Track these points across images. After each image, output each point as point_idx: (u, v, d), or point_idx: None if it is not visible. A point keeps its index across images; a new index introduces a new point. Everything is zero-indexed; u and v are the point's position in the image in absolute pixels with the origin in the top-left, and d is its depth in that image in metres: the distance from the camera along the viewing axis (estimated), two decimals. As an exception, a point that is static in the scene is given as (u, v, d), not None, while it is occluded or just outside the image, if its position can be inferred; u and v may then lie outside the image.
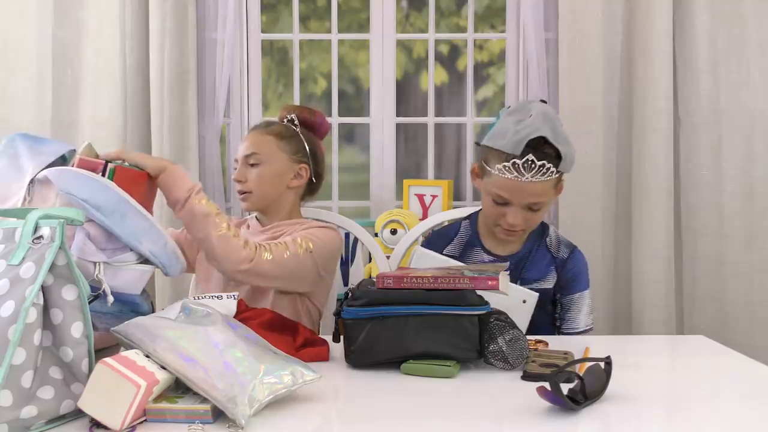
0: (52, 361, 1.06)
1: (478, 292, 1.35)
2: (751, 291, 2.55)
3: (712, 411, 1.13)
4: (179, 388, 1.11)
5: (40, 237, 1.05)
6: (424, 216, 2.63)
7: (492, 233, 1.82)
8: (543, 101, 1.86)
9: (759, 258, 2.55)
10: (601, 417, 1.10)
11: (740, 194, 2.56)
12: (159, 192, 1.58)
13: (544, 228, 1.86)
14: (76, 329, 1.06)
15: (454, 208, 2.47)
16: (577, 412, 1.10)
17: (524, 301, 1.63)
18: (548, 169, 1.68)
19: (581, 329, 1.80)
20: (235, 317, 1.34)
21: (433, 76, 2.84)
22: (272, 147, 1.84)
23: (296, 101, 2.83)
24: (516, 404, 1.15)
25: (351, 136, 3.05)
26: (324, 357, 1.39)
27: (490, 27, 3.04)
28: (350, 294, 1.38)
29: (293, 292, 1.76)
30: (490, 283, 1.33)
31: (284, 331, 1.42)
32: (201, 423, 1.05)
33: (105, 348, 1.36)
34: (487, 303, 1.33)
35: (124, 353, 1.08)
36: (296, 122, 1.89)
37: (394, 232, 2.55)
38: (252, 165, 1.83)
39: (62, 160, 1.44)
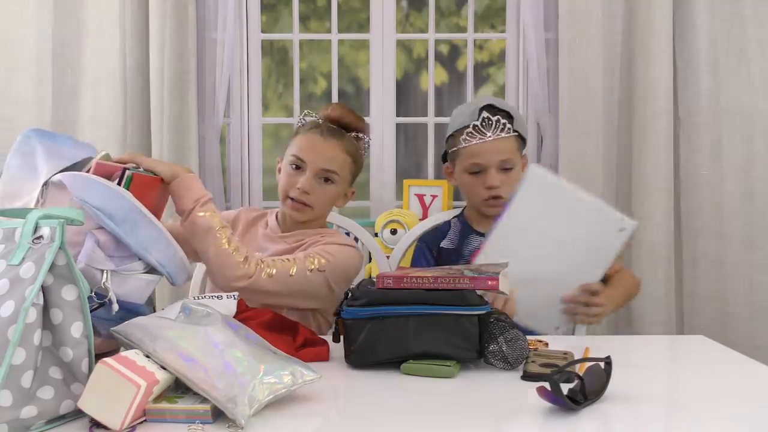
0: (52, 361, 1.06)
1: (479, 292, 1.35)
2: (751, 291, 2.55)
3: (713, 411, 1.13)
4: (179, 388, 1.11)
5: (40, 237, 1.05)
6: (424, 216, 2.63)
7: (481, 219, 1.89)
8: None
9: (759, 258, 2.55)
10: (601, 417, 1.10)
11: (740, 194, 2.56)
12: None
13: None
14: (76, 329, 1.06)
15: (454, 208, 2.47)
16: (577, 412, 1.10)
17: (621, 230, 1.59)
18: (504, 125, 1.82)
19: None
20: (235, 317, 1.34)
21: (433, 76, 2.84)
22: (347, 170, 1.79)
23: (296, 101, 2.83)
24: (516, 404, 1.15)
25: (351, 136, 3.04)
26: (324, 357, 1.39)
27: (490, 27, 3.04)
28: (350, 294, 1.38)
29: (304, 309, 1.72)
30: (490, 283, 1.33)
31: (284, 331, 1.41)
32: (201, 423, 1.05)
33: (106, 353, 1.36)
34: (487, 303, 1.33)
35: (124, 353, 1.08)
36: (368, 141, 1.84)
37: (394, 232, 2.55)
38: (326, 180, 1.76)
39: (80, 166, 1.44)
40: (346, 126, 1.82)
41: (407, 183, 2.72)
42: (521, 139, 1.87)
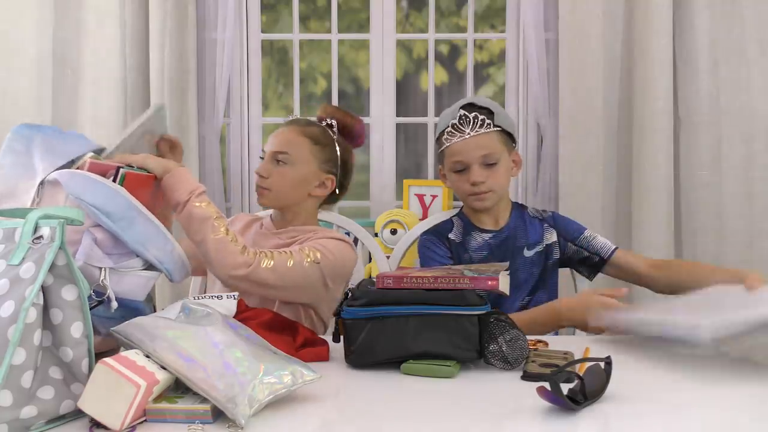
0: (52, 361, 1.06)
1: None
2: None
3: (713, 411, 1.13)
4: (179, 388, 1.11)
5: (40, 237, 1.05)
6: (424, 216, 2.64)
7: (480, 216, 1.91)
8: None
9: (759, 258, 2.55)
10: (601, 417, 1.10)
11: (740, 194, 2.56)
12: None
13: (519, 204, 1.97)
14: (76, 329, 1.06)
15: (454, 208, 2.47)
16: (577, 412, 1.09)
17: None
18: (483, 120, 1.81)
19: (613, 247, 1.90)
20: (235, 317, 1.34)
21: (433, 76, 2.84)
22: (305, 150, 1.78)
23: (296, 101, 2.83)
24: (516, 404, 1.15)
25: (351, 136, 3.05)
26: (324, 357, 1.39)
27: (490, 27, 3.04)
28: (350, 294, 1.38)
29: (296, 303, 1.71)
30: (490, 283, 1.33)
31: (284, 331, 1.41)
32: (201, 423, 1.05)
33: (106, 351, 1.36)
34: (486, 303, 1.33)
35: (124, 353, 1.08)
36: (335, 128, 1.83)
37: (394, 232, 2.55)
38: (279, 162, 1.77)
39: (70, 162, 1.44)
40: (339, 122, 1.84)
41: (407, 183, 2.72)
42: (506, 135, 1.85)
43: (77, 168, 1.39)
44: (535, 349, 1.41)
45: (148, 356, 1.09)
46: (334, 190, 1.84)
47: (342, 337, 1.36)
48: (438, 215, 2.12)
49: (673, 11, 2.53)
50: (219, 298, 1.38)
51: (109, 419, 1.01)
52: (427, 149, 2.84)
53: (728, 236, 2.56)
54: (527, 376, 1.26)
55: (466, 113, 1.82)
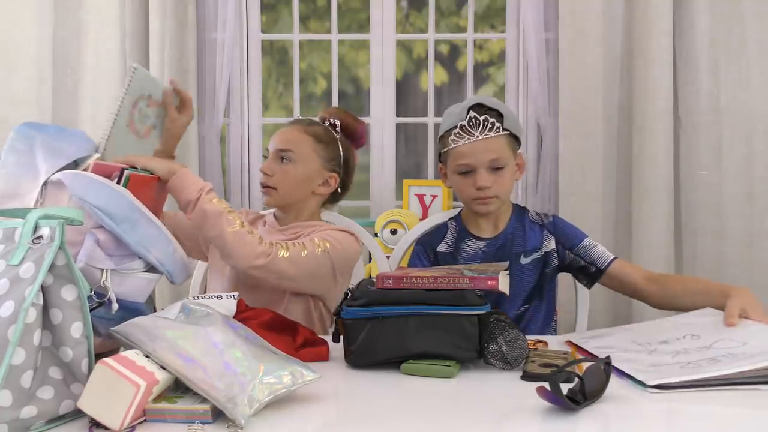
0: (51, 361, 1.06)
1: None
2: (751, 291, 2.55)
3: (713, 411, 1.13)
4: (179, 388, 1.11)
5: (40, 237, 1.05)
6: (424, 216, 2.64)
7: (478, 221, 1.87)
8: None
9: (759, 258, 2.55)
10: (601, 417, 1.10)
11: (740, 194, 2.56)
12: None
13: (521, 207, 1.93)
14: (76, 329, 1.06)
15: (454, 208, 2.47)
16: (577, 412, 1.10)
17: None
18: (493, 123, 1.77)
19: (611, 258, 1.82)
20: (235, 317, 1.34)
21: (433, 76, 2.84)
22: (308, 148, 1.80)
23: (296, 101, 2.83)
24: (516, 404, 1.15)
25: (351, 136, 3.05)
26: (324, 357, 1.39)
27: (490, 27, 3.04)
28: (350, 294, 1.38)
29: (307, 294, 1.73)
30: (489, 283, 1.33)
31: (284, 331, 1.41)
32: (201, 423, 1.05)
33: (106, 352, 1.36)
34: (486, 303, 1.33)
35: (123, 353, 1.08)
36: (338, 128, 1.84)
37: (394, 232, 2.55)
38: (283, 160, 1.78)
39: (73, 163, 1.44)
40: (342, 122, 1.86)
41: (407, 183, 2.72)
42: (513, 138, 1.82)
43: (83, 170, 1.40)
44: (535, 349, 1.41)
45: (147, 356, 1.09)
46: (337, 189, 1.86)
47: (342, 337, 1.36)
48: (437, 216, 2.11)
49: (673, 11, 2.53)
50: (219, 298, 1.38)
51: (109, 419, 1.01)
52: (427, 149, 2.84)
53: (728, 236, 2.56)
54: (527, 376, 1.26)
55: (476, 115, 1.77)
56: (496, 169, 1.78)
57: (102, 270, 1.27)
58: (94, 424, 1.03)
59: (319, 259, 1.65)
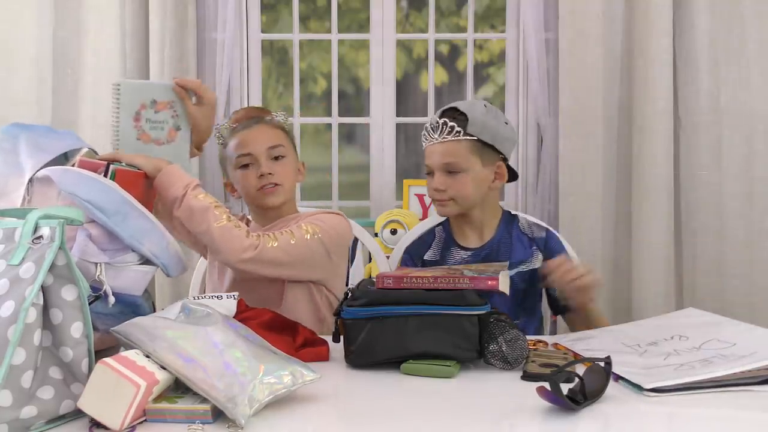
0: (51, 361, 1.06)
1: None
2: (751, 291, 2.55)
3: (712, 413, 1.13)
4: (179, 388, 1.11)
5: (40, 237, 1.05)
6: (424, 216, 2.64)
7: (464, 229, 1.85)
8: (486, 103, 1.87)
9: (759, 258, 2.55)
10: (601, 417, 1.10)
11: (740, 194, 2.56)
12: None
13: (511, 215, 1.89)
14: (76, 329, 1.06)
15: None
16: (577, 412, 1.10)
17: None
18: (452, 128, 1.76)
19: None
20: (235, 317, 1.34)
21: (433, 76, 2.84)
22: (286, 140, 1.82)
23: (296, 101, 2.83)
24: (516, 404, 1.15)
25: (351, 136, 3.06)
26: (324, 357, 1.39)
27: (490, 27, 3.04)
28: (350, 294, 1.38)
29: (306, 281, 1.72)
30: (489, 283, 1.33)
31: (284, 331, 1.41)
32: (201, 423, 1.05)
33: (105, 349, 1.36)
34: (486, 303, 1.33)
35: (123, 353, 1.08)
36: (288, 118, 1.88)
37: (394, 232, 2.55)
38: (276, 158, 1.77)
39: (63, 158, 1.44)
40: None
41: (407, 183, 2.72)
42: (483, 144, 1.76)
43: (72, 165, 1.40)
44: (535, 349, 1.41)
45: (148, 356, 1.09)
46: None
47: (342, 337, 1.36)
48: (426, 221, 2.09)
49: (673, 11, 2.53)
50: (219, 298, 1.38)
51: (109, 419, 1.01)
52: (427, 149, 2.84)
53: (728, 236, 2.56)
54: (527, 376, 1.26)
55: (438, 119, 1.79)
56: (451, 172, 1.77)
57: (96, 264, 1.27)
58: (94, 424, 1.03)
59: (310, 245, 1.65)
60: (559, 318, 1.90)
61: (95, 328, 1.16)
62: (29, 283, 1.02)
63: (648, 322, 1.60)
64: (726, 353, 1.29)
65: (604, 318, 1.79)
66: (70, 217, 1.08)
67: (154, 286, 2.57)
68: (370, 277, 2.11)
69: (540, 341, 1.50)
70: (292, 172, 1.80)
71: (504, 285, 1.37)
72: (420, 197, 2.70)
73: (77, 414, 1.06)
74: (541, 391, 1.08)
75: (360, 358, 1.33)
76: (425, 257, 1.87)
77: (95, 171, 1.39)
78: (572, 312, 1.79)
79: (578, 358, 1.28)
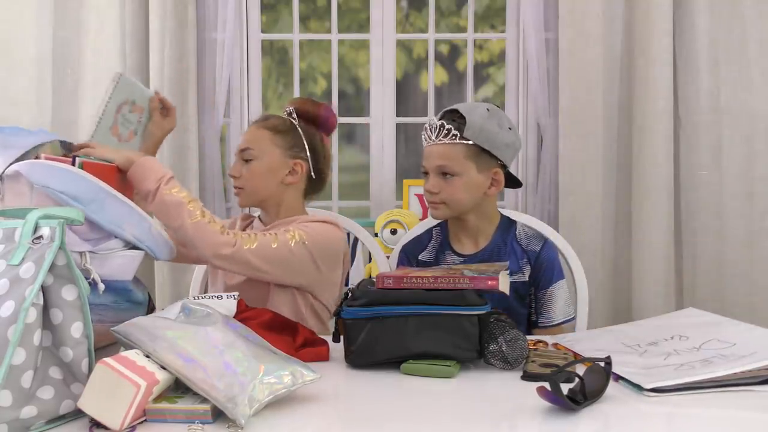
0: (52, 361, 1.06)
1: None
2: (751, 291, 2.55)
3: (713, 414, 1.13)
4: (179, 388, 1.11)
5: (40, 237, 1.05)
6: (424, 216, 2.63)
7: (460, 233, 1.84)
8: (496, 105, 1.84)
9: (759, 258, 2.55)
10: (601, 417, 1.10)
11: (740, 194, 2.56)
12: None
13: (511, 222, 1.86)
14: (76, 329, 1.06)
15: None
16: (577, 412, 1.10)
17: None
18: (449, 131, 1.74)
19: (558, 321, 1.78)
20: (235, 317, 1.34)
21: (433, 76, 2.84)
22: (266, 142, 1.78)
23: (296, 101, 2.83)
24: (516, 404, 1.15)
25: (351, 136, 3.05)
26: (324, 357, 1.39)
27: (490, 27, 3.04)
28: (350, 294, 1.38)
29: (290, 287, 1.71)
30: (489, 283, 1.33)
31: (284, 331, 1.41)
32: (201, 423, 1.05)
33: (104, 347, 1.36)
34: (486, 303, 1.33)
35: (123, 353, 1.08)
36: (294, 115, 1.82)
37: (394, 232, 2.55)
38: (246, 160, 1.78)
39: (34, 153, 1.43)
40: (298, 108, 1.83)
41: (407, 183, 2.72)
42: (479, 149, 1.74)
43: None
44: (535, 349, 1.41)
45: (148, 356, 1.09)
46: (312, 177, 1.82)
47: (342, 337, 1.36)
48: (424, 222, 2.08)
49: (673, 11, 2.53)
50: (219, 298, 1.39)
51: (109, 419, 1.01)
52: (427, 149, 2.84)
53: (728, 236, 2.56)
54: (527, 376, 1.26)
55: (435, 121, 1.78)
56: (445, 174, 1.76)
57: (80, 253, 1.27)
58: (95, 424, 1.03)
59: (293, 250, 1.64)
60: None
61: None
62: (29, 283, 1.02)
63: (648, 322, 1.60)
64: (726, 353, 1.29)
65: None
66: (71, 217, 1.08)
67: (154, 287, 2.58)
68: (370, 277, 2.11)
69: (540, 341, 1.50)
70: (260, 175, 1.77)
71: (504, 285, 1.36)
72: (420, 197, 2.70)
73: (77, 414, 1.06)
74: (541, 391, 1.08)
75: (360, 358, 1.33)
76: (420, 257, 1.87)
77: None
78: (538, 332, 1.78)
79: (578, 358, 1.28)
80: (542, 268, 1.80)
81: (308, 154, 1.80)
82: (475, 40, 2.86)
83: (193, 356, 1.08)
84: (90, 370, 1.06)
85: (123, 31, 2.58)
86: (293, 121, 1.81)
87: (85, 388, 1.03)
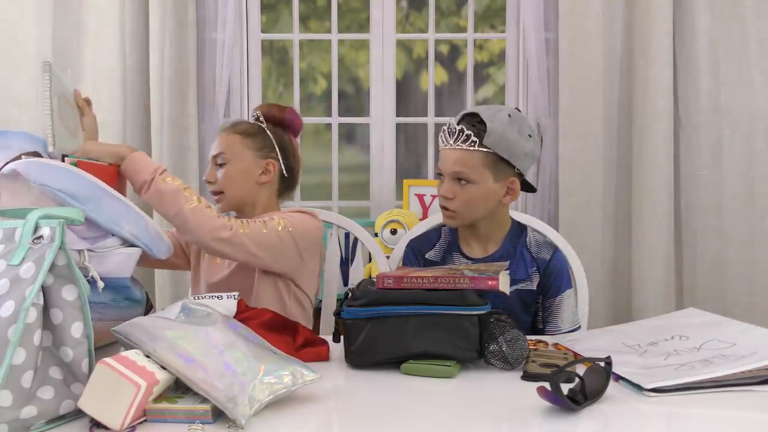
0: (52, 361, 1.06)
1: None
2: (751, 291, 2.55)
3: (713, 413, 1.13)
4: (179, 388, 1.11)
5: (40, 237, 1.05)
6: (424, 216, 2.64)
7: (469, 237, 1.82)
8: (517, 109, 1.82)
9: (759, 258, 2.55)
10: (601, 417, 1.10)
11: (740, 194, 2.56)
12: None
13: (521, 228, 1.84)
14: (76, 329, 1.06)
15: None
16: (577, 412, 1.10)
17: None
18: (468, 137, 1.69)
19: (565, 330, 1.76)
20: (235, 317, 1.34)
21: (433, 76, 2.84)
22: (237, 145, 1.83)
23: (296, 101, 2.83)
24: (516, 404, 1.15)
25: (351, 136, 3.05)
26: (324, 357, 1.39)
27: (490, 27, 3.04)
28: (350, 294, 1.38)
29: (275, 274, 1.74)
30: (490, 283, 1.33)
31: (284, 331, 1.41)
32: (201, 423, 1.05)
33: (104, 346, 1.36)
34: (487, 303, 1.33)
35: (124, 353, 1.08)
36: (261, 119, 1.88)
37: (394, 232, 2.55)
38: (220, 165, 1.82)
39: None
40: (264, 114, 1.88)
41: (407, 183, 2.72)
42: (498, 158, 1.70)
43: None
44: (535, 349, 1.41)
45: (148, 356, 1.09)
46: (285, 176, 1.87)
47: (342, 337, 1.36)
48: (434, 218, 2.08)
49: (673, 11, 2.53)
50: (219, 298, 1.39)
51: (110, 419, 1.01)
52: (427, 149, 2.84)
53: (728, 236, 2.56)
54: (527, 376, 1.26)
55: (454, 125, 1.72)
56: (460, 180, 1.72)
57: (78, 251, 1.27)
58: (95, 424, 1.03)
59: (281, 236, 1.67)
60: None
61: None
62: (29, 283, 1.02)
63: (648, 322, 1.60)
64: (726, 353, 1.29)
65: None
66: (71, 217, 1.08)
67: (153, 287, 2.58)
68: (370, 277, 2.11)
69: (540, 341, 1.50)
70: (235, 177, 1.82)
71: (504, 285, 1.36)
72: (420, 197, 2.70)
73: (77, 414, 1.06)
74: (541, 391, 1.08)
75: (360, 358, 1.33)
76: (427, 255, 1.85)
77: None
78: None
79: (578, 358, 1.28)
80: (552, 277, 1.78)
81: (279, 153, 1.86)
82: (475, 40, 2.86)
83: (193, 356, 1.08)
84: (90, 370, 1.06)
85: (123, 31, 2.59)
86: (261, 124, 1.87)
87: (85, 388, 1.03)
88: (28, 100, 2.57)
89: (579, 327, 1.81)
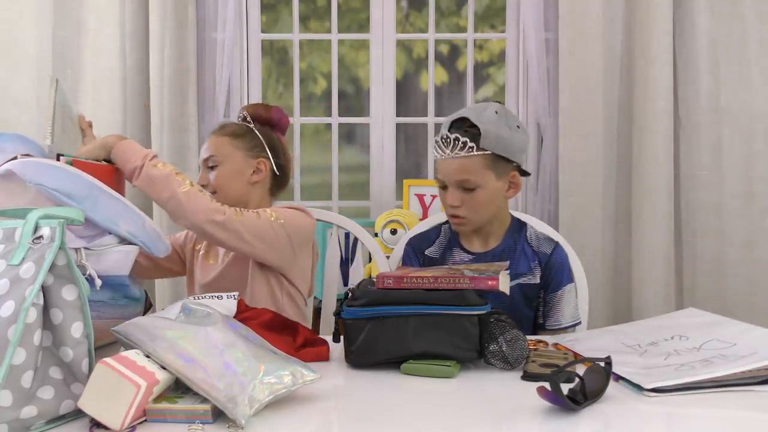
0: (52, 361, 1.06)
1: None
2: (751, 291, 2.55)
3: (713, 414, 1.13)
4: (179, 388, 1.11)
5: (40, 237, 1.05)
6: (424, 216, 2.64)
7: (469, 235, 1.82)
8: (498, 102, 1.81)
9: (759, 258, 2.55)
10: (601, 417, 1.10)
11: (740, 194, 2.56)
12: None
13: (521, 224, 1.85)
14: (76, 329, 1.06)
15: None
16: (577, 412, 1.10)
17: None
18: (464, 143, 1.69)
19: (566, 325, 1.77)
20: (235, 317, 1.34)
21: (433, 76, 2.84)
22: (227, 147, 1.84)
23: (296, 101, 2.83)
24: (516, 404, 1.15)
25: (351, 136, 3.05)
26: (324, 357, 1.39)
27: (490, 27, 3.04)
28: (350, 294, 1.38)
29: (267, 270, 1.75)
30: (490, 283, 1.33)
31: (284, 331, 1.41)
32: (201, 423, 1.05)
33: (104, 346, 1.36)
34: (487, 303, 1.33)
35: (124, 353, 1.08)
36: (248, 119, 1.89)
37: (394, 232, 2.55)
38: (211, 168, 1.83)
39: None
40: (250, 114, 1.89)
41: (407, 183, 2.72)
42: (496, 157, 1.70)
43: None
44: (535, 349, 1.41)
45: (148, 356, 1.09)
46: (276, 174, 1.88)
47: (342, 337, 1.36)
48: (435, 217, 2.09)
49: (673, 11, 2.53)
50: (219, 298, 1.38)
51: (110, 419, 1.01)
52: (427, 149, 2.84)
53: (728, 236, 2.56)
54: (527, 376, 1.26)
55: (448, 135, 1.70)
56: (466, 188, 1.72)
57: (76, 250, 1.27)
58: (95, 424, 1.03)
59: (275, 227, 1.68)
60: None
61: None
62: (29, 283, 1.02)
63: (648, 322, 1.60)
64: (726, 353, 1.29)
65: None
66: (71, 217, 1.08)
67: (153, 287, 2.57)
68: (370, 277, 2.11)
69: (540, 341, 1.50)
70: (228, 178, 1.82)
71: (504, 285, 1.36)
72: (420, 197, 2.70)
73: (77, 414, 1.06)
74: (541, 391, 1.08)
75: (360, 358, 1.33)
76: (426, 252, 1.86)
77: None
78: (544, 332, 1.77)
79: (578, 358, 1.28)
80: (553, 271, 1.78)
81: (269, 152, 1.86)
82: (475, 40, 2.86)
83: (193, 356, 1.08)
84: (90, 370, 1.06)
85: (123, 31, 2.59)
86: (248, 124, 1.88)
87: (85, 388, 1.03)
88: (28, 100, 2.58)
89: (579, 322, 1.82)
